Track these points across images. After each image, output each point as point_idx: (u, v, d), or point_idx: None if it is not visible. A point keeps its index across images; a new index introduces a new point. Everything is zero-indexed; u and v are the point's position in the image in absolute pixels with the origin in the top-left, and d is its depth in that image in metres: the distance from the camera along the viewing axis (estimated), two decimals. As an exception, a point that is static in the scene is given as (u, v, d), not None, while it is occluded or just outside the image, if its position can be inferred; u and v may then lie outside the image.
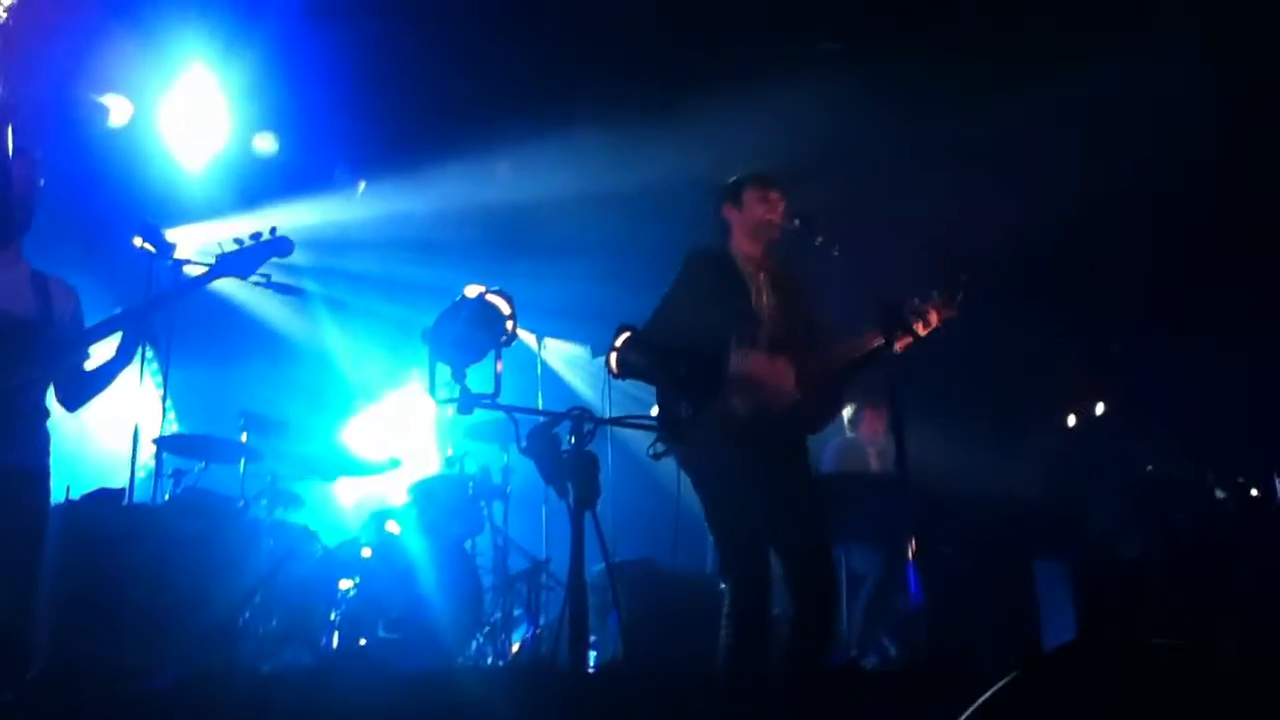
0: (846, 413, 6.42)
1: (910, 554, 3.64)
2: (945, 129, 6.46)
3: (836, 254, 3.82)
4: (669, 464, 3.86)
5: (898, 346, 3.72)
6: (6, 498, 3.29)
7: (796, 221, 3.97)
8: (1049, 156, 6.49)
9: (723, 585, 3.92)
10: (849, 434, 6.59)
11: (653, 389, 3.80)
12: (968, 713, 1.88)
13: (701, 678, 4.06)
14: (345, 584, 5.53)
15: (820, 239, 3.88)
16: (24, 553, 3.36)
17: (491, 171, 7.15)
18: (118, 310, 4.80)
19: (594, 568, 5.54)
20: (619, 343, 3.71)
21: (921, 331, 3.96)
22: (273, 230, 3.77)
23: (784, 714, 3.59)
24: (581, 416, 3.30)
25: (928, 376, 5.51)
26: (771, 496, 3.76)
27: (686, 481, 3.92)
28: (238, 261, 3.72)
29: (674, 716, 4.01)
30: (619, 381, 4.06)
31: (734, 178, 4.17)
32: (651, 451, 3.69)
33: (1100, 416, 7.17)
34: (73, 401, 3.62)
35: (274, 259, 3.76)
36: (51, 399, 3.58)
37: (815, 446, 4.18)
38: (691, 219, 4.65)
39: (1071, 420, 7.39)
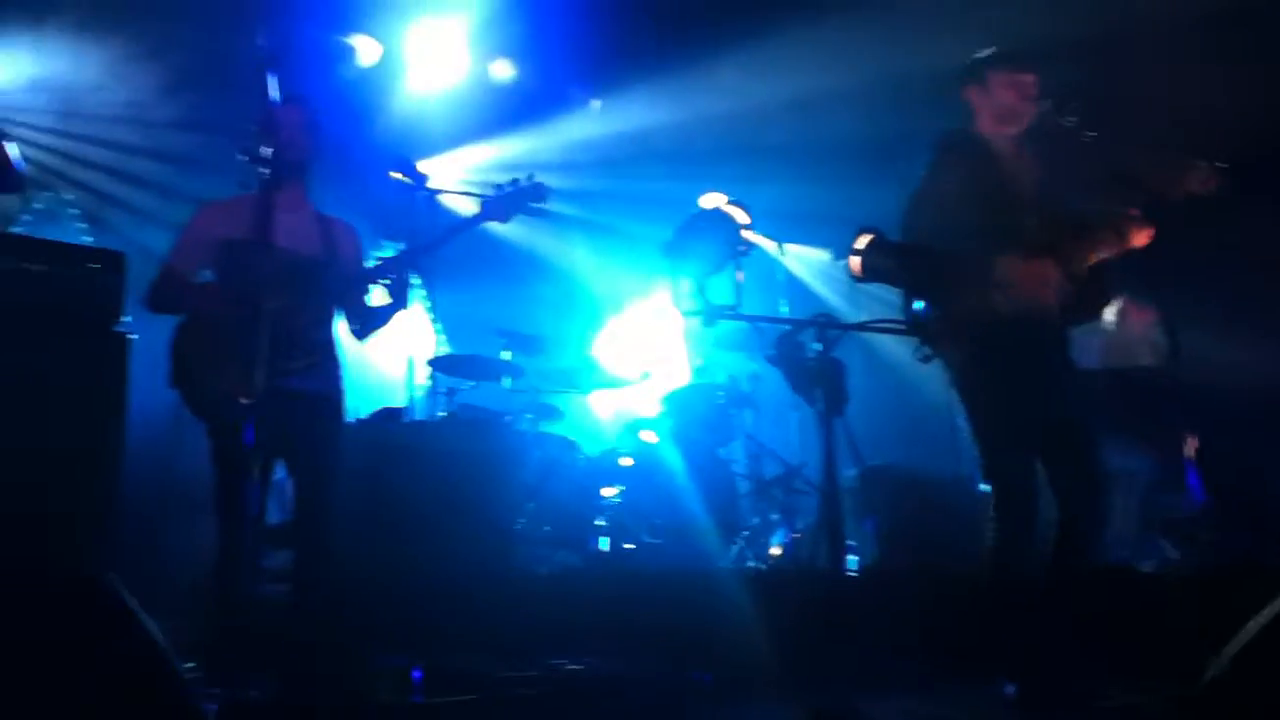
0: (1110, 307, 6.01)
1: (1190, 451, 3.41)
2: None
3: (1090, 138, 3.55)
4: (921, 366, 3.76)
5: (1151, 232, 3.45)
6: (310, 420, 3.62)
7: (1047, 103, 3.71)
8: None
9: (984, 487, 3.81)
10: (1114, 328, 6.18)
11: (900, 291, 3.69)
12: (1265, 614, 1.76)
13: (963, 582, 3.99)
14: (607, 491, 5.78)
15: (1072, 121, 3.61)
16: (326, 468, 3.70)
17: (721, 77, 7.05)
18: (383, 243, 5.09)
19: (848, 472, 5.53)
20: (859, 245, 3.61)
21: (1173, 196, 3.64)
22: (530, 176, 4.00)
23: (1050, 617, 3.49)
24: (826, 323, 3.27)
25: (1192, 267, 5.06)
26: (1036, 395, 3.60)
27: (943, 381, 3.81)
28: (498, 207, 3.97)
29: (936, 619, 3.99)
30: (865, 285, 3.96)
31: (977, 55, 3.91)
32: (919, 355, 3.59)
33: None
34: (361, 333, 3.92)
35: (531, 204, 3.96)
36: (342, 332, 3.89)
37: (1079, 341, 3.95)
38: (934, 111, 4.42)
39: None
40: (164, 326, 3.67)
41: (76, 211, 6.84)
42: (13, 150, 3.64)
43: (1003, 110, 3.80)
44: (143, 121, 6.76)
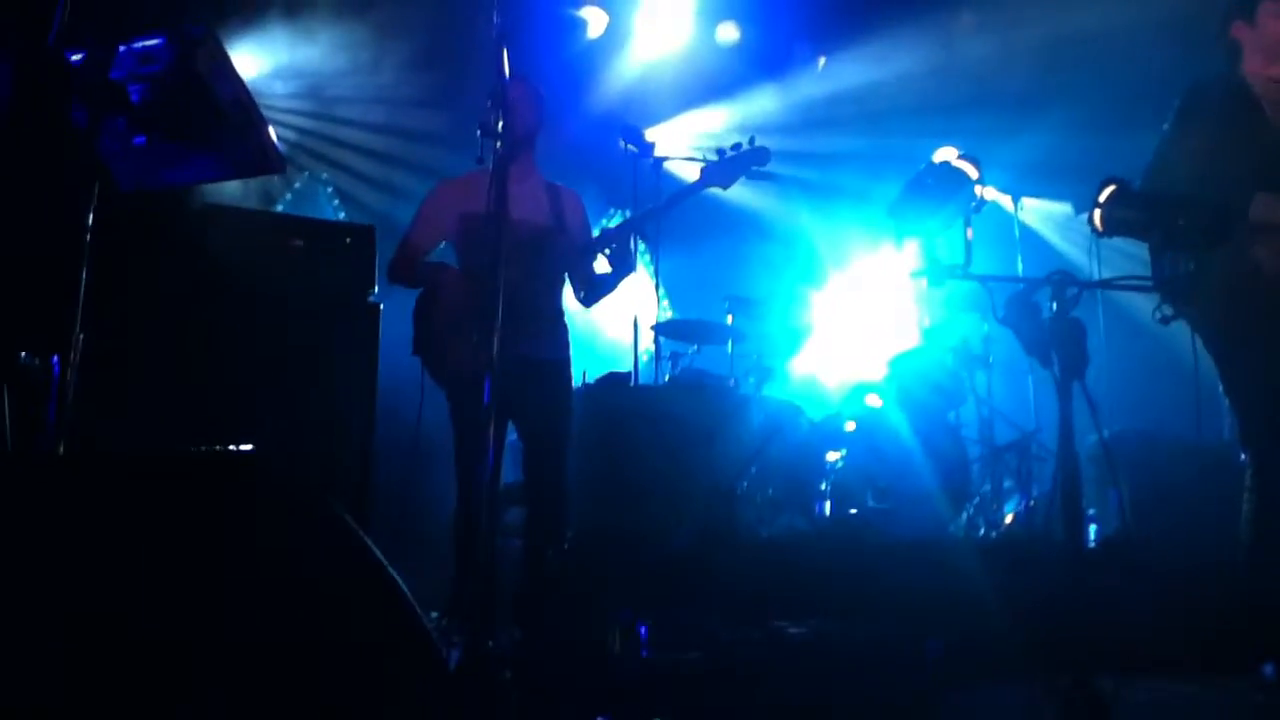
0: None
1: None
2: None
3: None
4: (1174, 327, 3.51)
5: None
6: (539, 386, 3.76)
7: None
8: None
9: (1243, 456, 3.53)
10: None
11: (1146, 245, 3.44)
12: None
13: (1217, 557, 3.72)
14: (832, 455, 5.72)
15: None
16: (557, 431, 3.84)
17: (953, 27, 6.76)
18: (610, 210, 5.09)
19: (1088, 439, 5.24)
20: (1103, 197, 3.39)
21: None
22: (751, 140, 3.93)
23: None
24: (1063, 281, 3.10)
25: None
26: None
27: (1199, 343, 3.56)
28: (720, 172, 3.91)
29: (1185, 594, 3.74)
30: (1108, 239, 3.73)
31: None
32: (1158, 315, 3.37)
33: None
34: (588, 300, 4.03)
35: (753, 167, 3.90)
36: (570, 299, 4.02)
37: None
38: (1186, 54, 4.08)
39: None
40: (407, 296, 3.91)
41: (330, 190, 7.36)
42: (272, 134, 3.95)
43: (1275, 45, 3.47)
44: (387, 101, 7.18)
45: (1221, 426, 5.49)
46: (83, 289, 2.42)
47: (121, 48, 2.54)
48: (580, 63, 7.43)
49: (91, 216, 2.50)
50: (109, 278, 2.62)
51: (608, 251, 3.85)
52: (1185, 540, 4.51)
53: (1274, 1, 3.49)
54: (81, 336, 2.38)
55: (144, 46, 2.56)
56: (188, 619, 1.46)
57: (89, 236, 2.48)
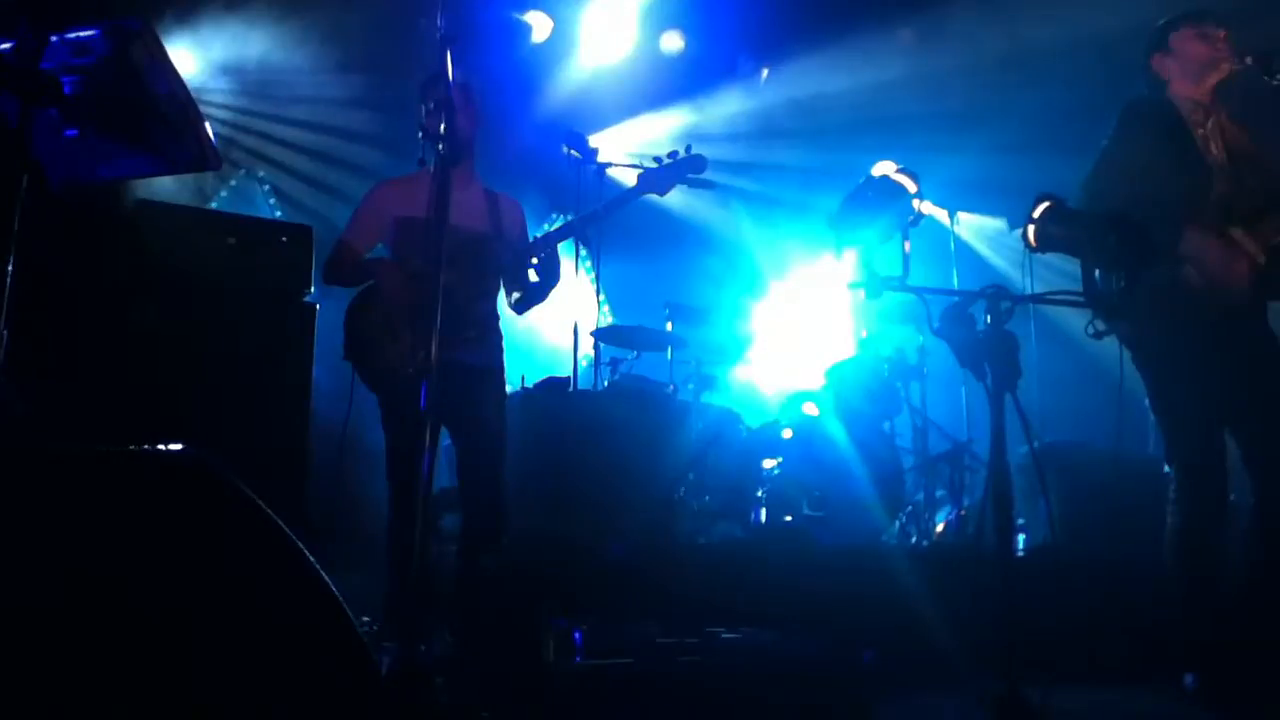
0: None
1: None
2: None
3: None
4: (1103, 342, 3.60)
5: None
6: (473, 393, 3.74)
7: (1248, 59, 3.47)
8: None
9: (1167, 469, 3.63)
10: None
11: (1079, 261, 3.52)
12: None
13: (1141, 566, 3.81)
14: (769, 463, 5.76)
15: None
16: (492, 437, 3.81)
17: (894, 45, 6.87)
18: (553, 215, 5.06)
19: (1019, 449, 5.35)
20: (1037, 213, 3.47)
21: None
22: (688, 148, 3.99)
23: (1242, 610, 3.30)
24: (997, 295, 3.16)
25: None
26: (1228, 373, 3.40)
27: (1127, 358, 3.64)
28: (656, 179, 3.97)
29: (1109, 604, 3.83)
30: (1041, 255, 3.81)
31: (1160, 21, 3.71)
32: (1090, 330, 3.45)
33: None
34: (520, 307, 4.01)
35: (689, 175, 3.95)
36: (504, 305, 4.00)
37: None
38: (1119, 76, 4.20)
39: None
40: (344, 296, 3.86)
41: (267, 188, 7.25)
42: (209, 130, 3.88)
43: (1195, 65, 3.59)
44: (325, 101, 7.10)
45: (1146, 440, 5.64)
46: (8, 284, 2.35)
47: (54, 38, 2.47)
48: (525, 68, 7.41)
49: (19, 210, 2.43)
50: (36, 273, 2.55)
51: (535, 262, 3.85)
52: (1111, 549, 4.61)
53: (1186, 28, 3.60)
54: (5, 333, 2.32)
55: (78, 37, 2.50)
56: (109, 624, 1.43)
57: (16, 230, 2.41)
